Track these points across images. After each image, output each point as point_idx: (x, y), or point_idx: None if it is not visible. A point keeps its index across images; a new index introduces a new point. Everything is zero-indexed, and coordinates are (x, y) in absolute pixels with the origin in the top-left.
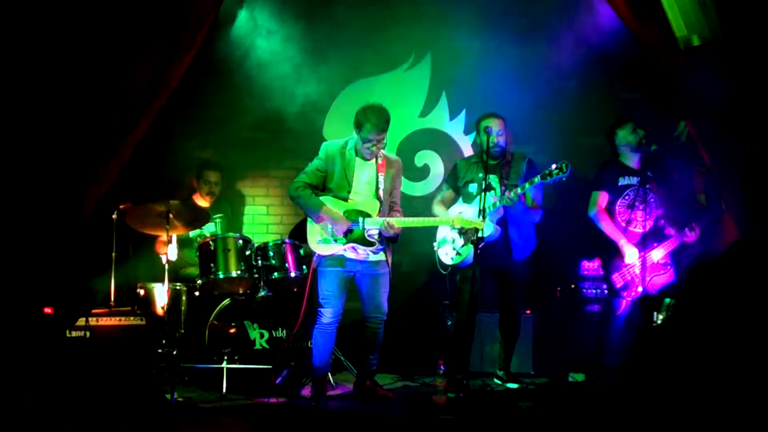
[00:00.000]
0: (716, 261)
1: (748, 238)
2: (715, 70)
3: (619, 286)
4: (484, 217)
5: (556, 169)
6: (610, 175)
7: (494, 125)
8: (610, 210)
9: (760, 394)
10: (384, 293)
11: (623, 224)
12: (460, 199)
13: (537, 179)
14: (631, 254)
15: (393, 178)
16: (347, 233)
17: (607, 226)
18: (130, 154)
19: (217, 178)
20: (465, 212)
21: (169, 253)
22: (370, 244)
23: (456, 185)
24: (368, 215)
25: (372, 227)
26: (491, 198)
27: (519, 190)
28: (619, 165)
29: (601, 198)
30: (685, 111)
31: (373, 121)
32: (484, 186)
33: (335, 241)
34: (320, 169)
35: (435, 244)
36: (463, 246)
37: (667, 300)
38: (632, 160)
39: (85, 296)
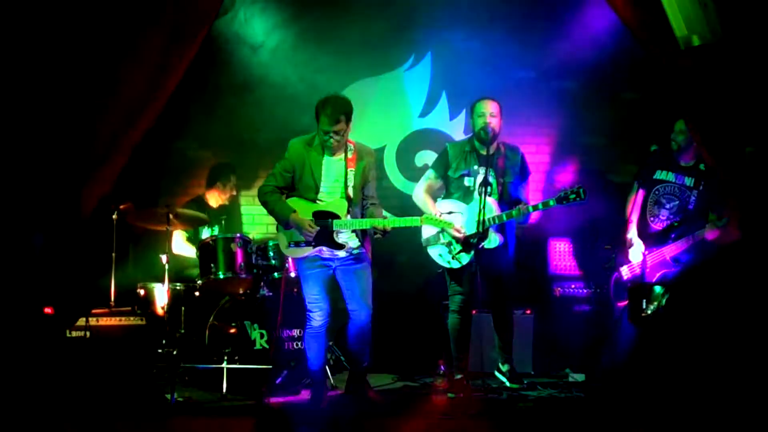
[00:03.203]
0: (707, 262)
1: (743, 240)
2: (715, 70)
3: (627, 278)
4: (484, 225)
5: (572, 194)
6: (650, 166)
7: (487, 107)
8: (644, 201)
9: (750, 397)
10: (363, 287)
11: (649, 218)
12: (454, 194)
13: (552, 202)
14: (634, 253)
15: (364, 171)
16: (316, 237)
17: (629, 216)
18: (130, 154)
19: (236, 181)
20: (461, 214)
21: (175, 247)
22: (339, 246)
23: (445, 173)
24: (336, 216)
25: (340, 229)
26: (493, 208)
27: (530, 209)
28: (663, 156)
29: (638, 191)
30: (685, 111)
31: (327, 111)
32: (484, 188)
33: (304, 245)
34: (287, 169)
35: (423, 240)
36: (460, 253)
37: (658, 288)
38: (680, 155)
39: (85, 296)
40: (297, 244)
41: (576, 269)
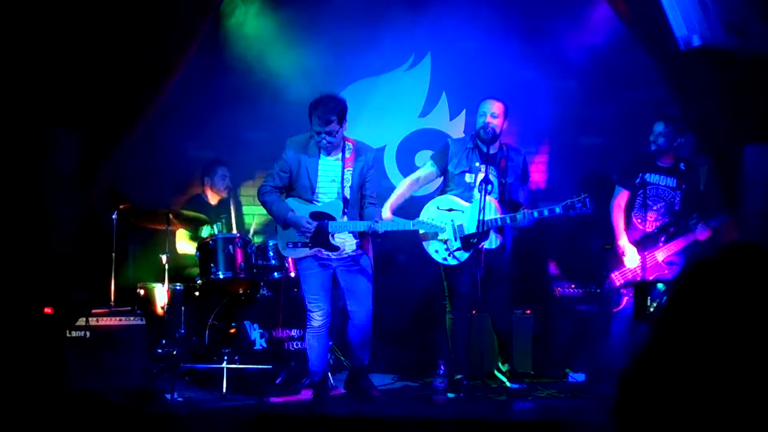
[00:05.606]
0: (703, 264)
1: (741, 241)
2: (714, 70)
3: (619, 284)
4: (485, 226)
5: (579, 202)
6: (631, 168)
7: (489, 107)
8: (629, 204)
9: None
10: (363, 287)
11: (636, 221)
12: (454, 190)
13: (557, 209)
14: (631, 259)
15: (362, 170)
16: (312, 238)
17: (615, 223)
18: (128, 153)
19: (225, 172)
20: (462, 212)
21: (180, 246)
22: (334, 248)
23: (445, 168)
24: (332, 218)
25: (335, 231)
26: (495, 208)
27: (535, 214)
28: (642, 158)
29: (621, 193)
30: (684, 111)
31: (318, 112)
32: (484, 187)
33: (301, 245)
34: (284, 169)
35: (420, 235)
36: (458, 251)
37: (661, 285)
38: (659, 156)
39: (85, 296)
40: (295, 245)
41: (576, 269)
